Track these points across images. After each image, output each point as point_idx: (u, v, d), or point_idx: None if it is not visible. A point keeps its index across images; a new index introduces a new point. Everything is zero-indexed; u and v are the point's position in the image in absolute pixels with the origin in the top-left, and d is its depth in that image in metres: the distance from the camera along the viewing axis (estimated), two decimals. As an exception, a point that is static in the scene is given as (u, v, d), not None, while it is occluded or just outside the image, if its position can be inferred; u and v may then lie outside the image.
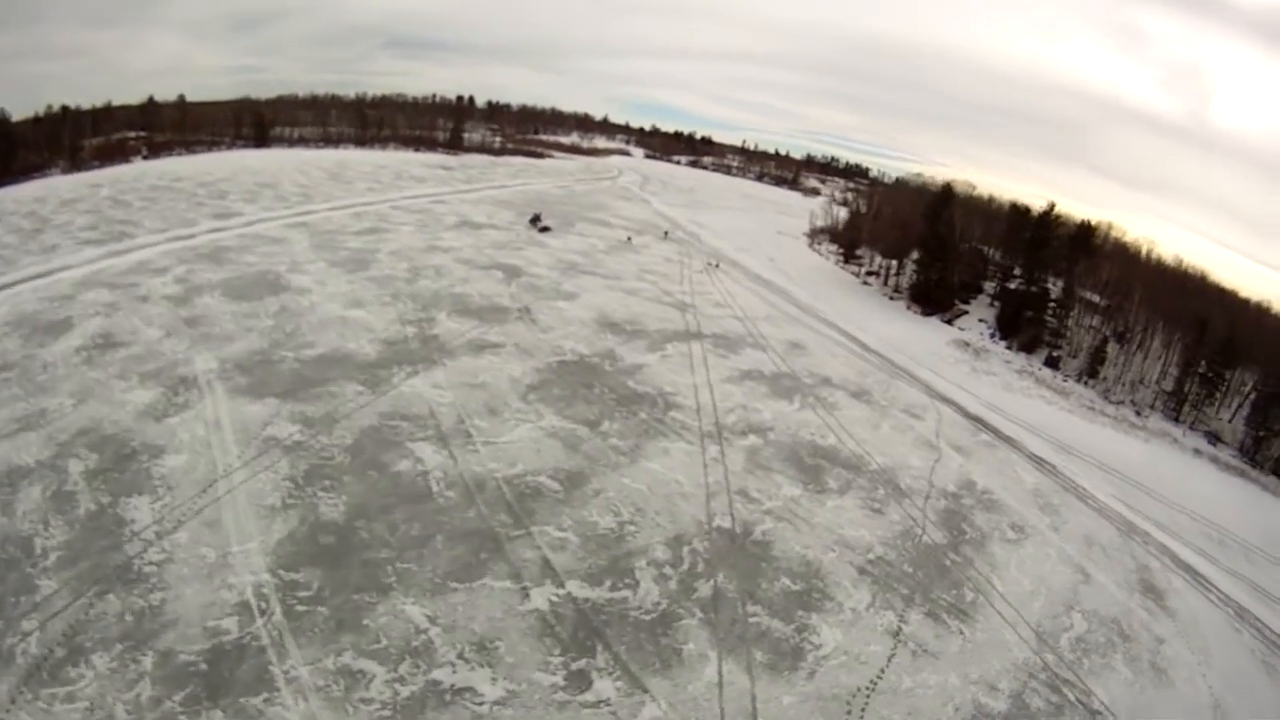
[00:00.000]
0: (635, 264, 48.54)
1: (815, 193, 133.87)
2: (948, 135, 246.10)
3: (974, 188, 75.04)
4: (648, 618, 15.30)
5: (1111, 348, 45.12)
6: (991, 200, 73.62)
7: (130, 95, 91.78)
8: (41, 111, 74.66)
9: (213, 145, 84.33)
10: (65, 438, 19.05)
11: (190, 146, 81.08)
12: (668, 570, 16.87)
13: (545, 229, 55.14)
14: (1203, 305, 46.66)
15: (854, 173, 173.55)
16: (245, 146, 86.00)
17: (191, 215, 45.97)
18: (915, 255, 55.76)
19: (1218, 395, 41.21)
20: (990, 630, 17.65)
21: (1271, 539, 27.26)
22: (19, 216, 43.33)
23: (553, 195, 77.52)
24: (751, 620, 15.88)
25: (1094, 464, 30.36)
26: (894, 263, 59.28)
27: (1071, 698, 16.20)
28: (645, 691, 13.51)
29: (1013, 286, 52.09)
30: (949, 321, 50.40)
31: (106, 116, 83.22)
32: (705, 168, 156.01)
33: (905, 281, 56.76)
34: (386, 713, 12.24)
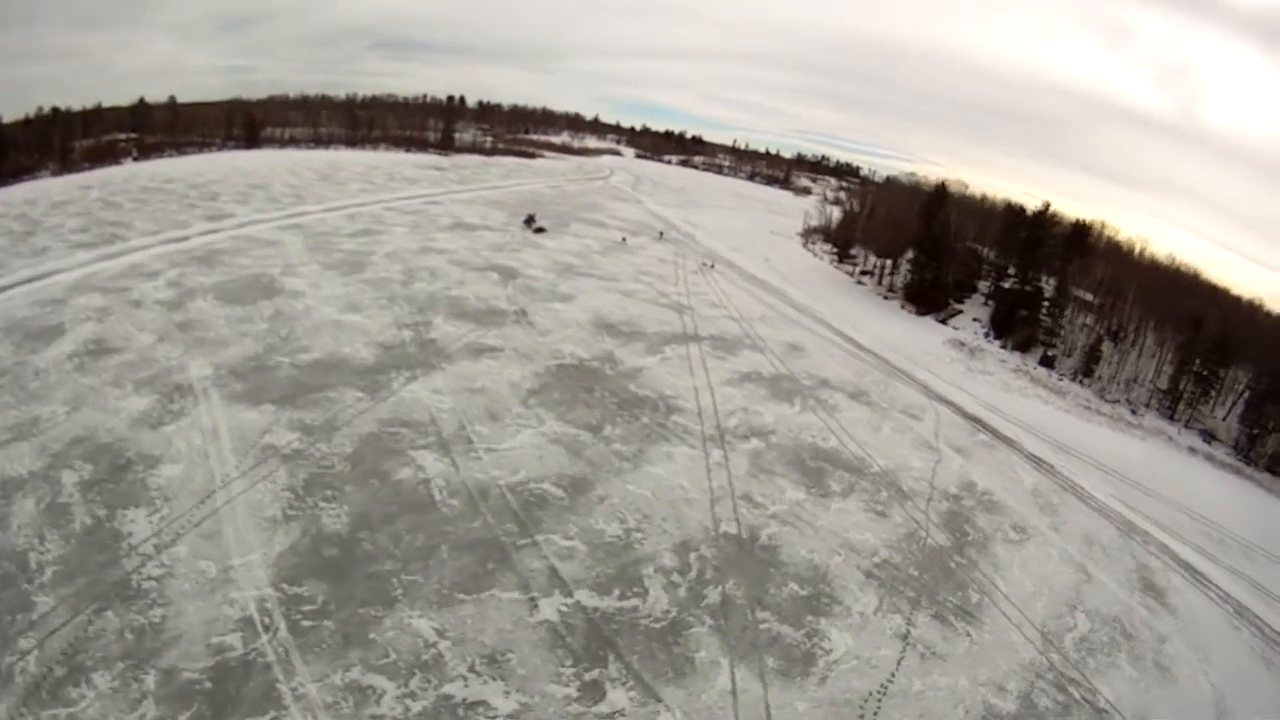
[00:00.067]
0: (631, 265, 48.40)
1: (807, 192, 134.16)
2: (938, 134, 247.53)
3: (967, 186, 75.49)
4: (658, 626, 15.18)
5: (1106, 346, 45.48)
6: (984, 199, 74.15)
7: (120, 97, 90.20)
8: (32, 113, 73.47)
9: (203, 146, 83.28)
10: (59, 447, 18.65)
11: (181, 148, 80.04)
12: (676, 578, 16.75)
13: (540, 230, 54.87)
14: (1196, 303, 47.17)
15: (845, 171, 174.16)
16: (236, 147, 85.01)
17: (183, 217, 45.29)
18: (910, 255, 55.95)
19: (1212, 393, 41.64)
20: (996, 631, 17.72)
21: (1269, 537, 27.54)
22: (9, 219, 42.49)
23: (546, 196, 77.20)
24: (762, 626, 15.80)
25: (1092, 463, 30.56)
26: (888, 262, 59.49)
27: (1078, 697, 16.29)
28: (659, 701, 13.39)
29: (1007, 286, 52.37)
30: (943, 321, 50.62)
31: (97, 118, 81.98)
32: (696, 167, 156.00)
33: (900, 281, 56.98)
34: (397, 729, 12.04)
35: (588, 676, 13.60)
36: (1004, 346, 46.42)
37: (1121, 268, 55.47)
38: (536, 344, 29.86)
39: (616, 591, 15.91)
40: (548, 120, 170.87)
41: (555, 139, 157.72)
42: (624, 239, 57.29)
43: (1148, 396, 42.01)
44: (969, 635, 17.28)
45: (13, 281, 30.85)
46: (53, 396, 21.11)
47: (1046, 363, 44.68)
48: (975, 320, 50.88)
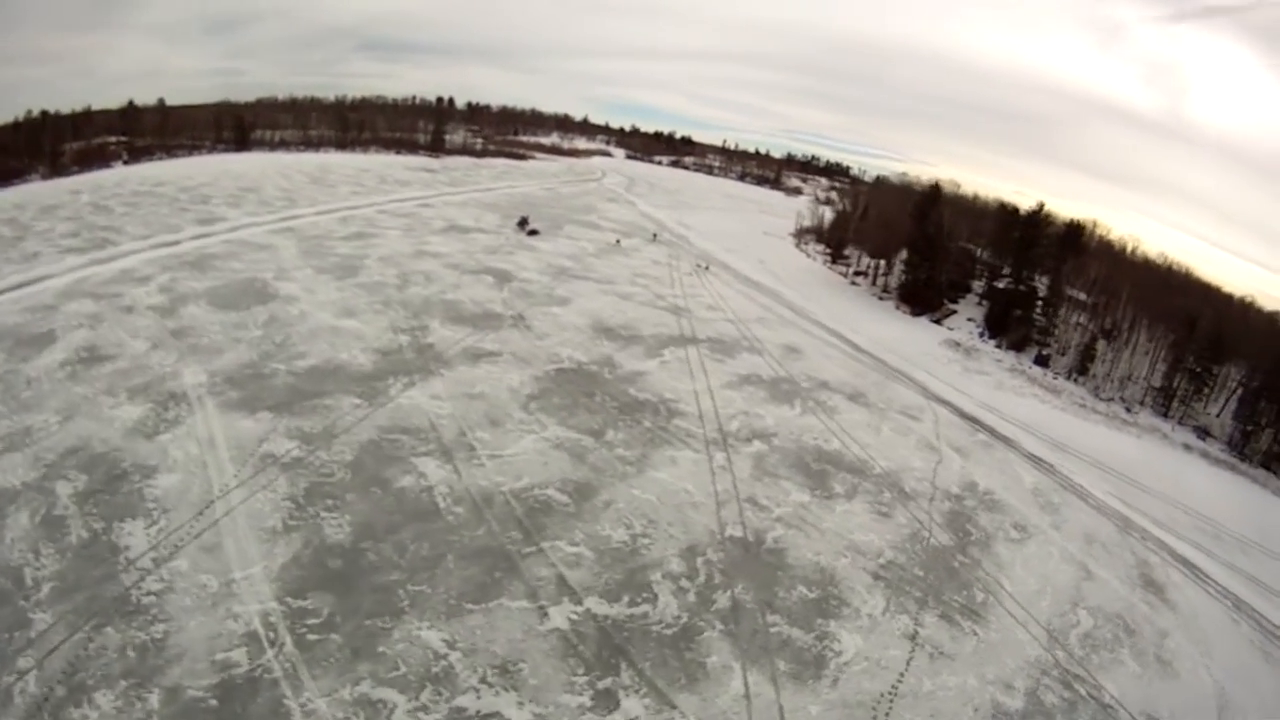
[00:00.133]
0: (626, 267, 48.31)
1: (797, 192, 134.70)
2: (926, 133, 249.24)
3: (959, 186, 76.03)
4: (669, 632, 15.07)
5: (1100, 345, 45.86)
6: (977, 199, 74.68)
7: (109, 99, 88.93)
8: (21, 116, 72.27)
9: (193, 149, 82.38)
10: (53, 458, 18.26)
11: (171, 151, 79.17)
12: (685, 583, 16.65)
13: (533, 232, 54.65)
14: (1189, 302, 47.67)
15: (835, 171, 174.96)
16: (226, 150, 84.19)
17: (175, 221, 44.69)
18: (903, 255, 56.18)
19: (1206, 390, 42.07)
20: (1002, 630, 17.81)
21: (1264, 532, 27.84)
22: (-1, 223, 41.81)
23: (538, 197, 76.99)
24: (772, 630, 15.74)
25: (1089, 461, 30.77)
26: (881, 262, 59.71)
27: (1083, 693, 16.43)
28: (674, 708, 13.29)
29: (1001, 285, 52.69)
30: (938, 321, 50.85)
31: (86, 121, 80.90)
32: (687, 168, 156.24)
33: (893, 281, 57.19)
34: (409, 742, 11.85)
35: (601, 685, 13.46)
36: (999, 346, 46.70)
37: (1114, 267, 55.98)
38: (535, 348, 29.68)
39: (626, 598, 15.79)
40: (537, 121, 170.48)
41: (545, 140, 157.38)
42: (618, 241, 57.18)
43: (1142, 394, 42.39)
44: (976, 634, 17.36)
45: (3, 288, 30.28)
46: (45, 405, 20.70)
47: (1041, 362, 45.00)
48: (970, 320, 51.16)
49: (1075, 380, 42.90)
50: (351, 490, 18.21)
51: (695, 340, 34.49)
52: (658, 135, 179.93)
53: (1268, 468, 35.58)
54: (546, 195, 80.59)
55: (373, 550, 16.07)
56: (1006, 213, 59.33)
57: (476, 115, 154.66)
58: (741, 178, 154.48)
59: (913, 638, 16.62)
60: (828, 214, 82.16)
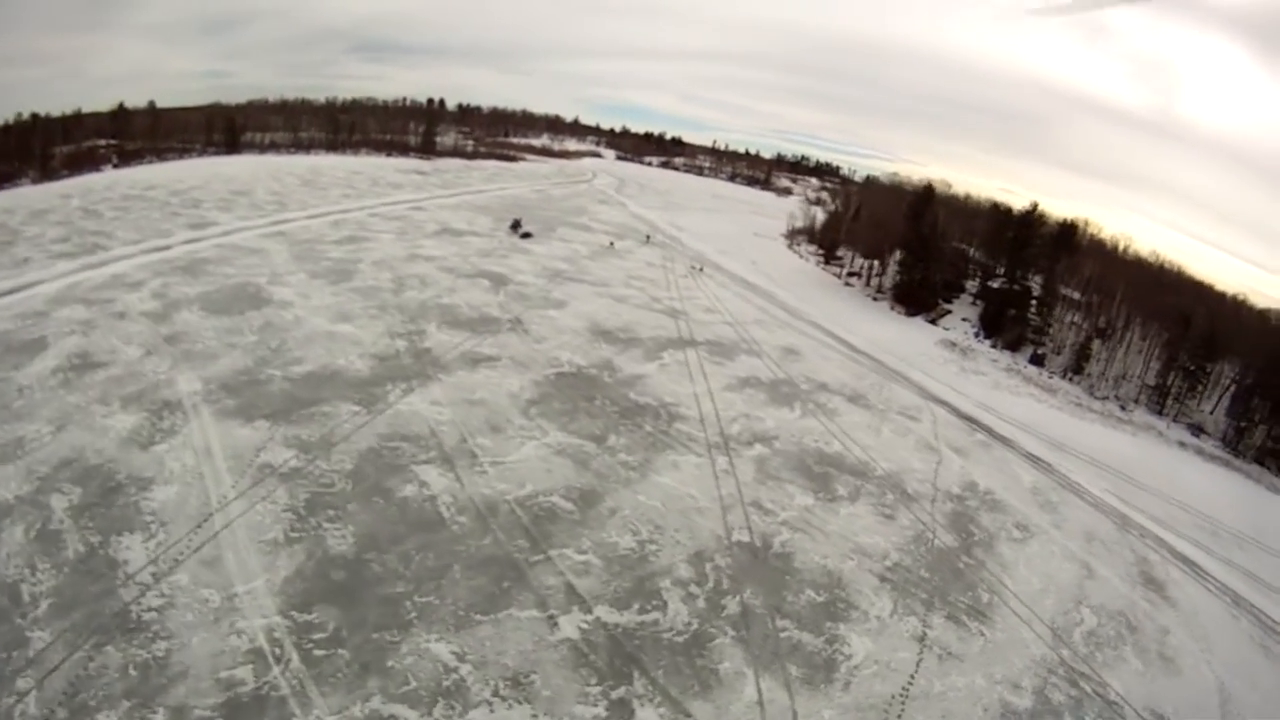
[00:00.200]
0: (621, 269, 48.19)
1: (788, 192, 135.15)
2: (916, 132, 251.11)
3: (949, 186, 76.54)
4: (681, 639, 14.95)
5: (1095, 344, 46.23)
6: (969, 198, 75.19)
7: (100, 102, 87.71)
8: (11, 119, 71.11)
9: (184, 152, 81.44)
10: (46, 470, 17.82)
11: (161, 154, 78.22)
12: (694, 589, 16.54)
13: (527, 235, 54.42)
14: (1182, 300, 48.17)
15: (825, 171, 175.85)
16: (217, 153, 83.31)
17: (166, 225, 44.02)
18: (897, 255, 56.41)
19: (1199, 388, 42.50)
20: (1008, 629, 17.89)
21: (1260, 528, 28.15)
22: (-11, 228, 41.01)
23: (530, 200, 76.71)
24: (783, 635, 15.66)
25: (1086, 460, 31.00)
26: (875, 263, 59.92)
27: (1089, 690, 16.51)
28: (689, 716, 13.16)
29: (995, 285, 53.02)
30: (933, 321, 51.11)
31: (76, 124, 79.72)
32: (677, 169, 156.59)
33: (887, 282, 57.41)
34: (421, 758, 11.64)
35: (615, 695, 13.31)
36: (994, 346, 47.00)
37: (1107, 266, 56.48)
38: (533, 352, 29.48)
39: (636, 605, 15.65)
40: (527, 122, 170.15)
41: (535, 141, 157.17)
42: (612, 243, 57.06)
43: (1137, 392, 42.79)
44: (983, 634, 17.41)
45: (-8, 294, 29.69)
46: (37, 415, 20.23)
47: (1037, 361, 45.32)
48: (965, 320, 51.46)
49: (1070, 379, 43.25)
50: (353, 500, 17.92)
51: (693, 343, 34.42)
52: (648, 136, 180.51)
53: (1261, 463, 36.03)
54: (538, 197, 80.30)
55: (377, 561, 15.82)
56: (999, 212, 59.80)
57: (467, 117, 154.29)
58: (731, 178, 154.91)
59: (921, 639, 16.63)
60: (819, 215, 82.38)
